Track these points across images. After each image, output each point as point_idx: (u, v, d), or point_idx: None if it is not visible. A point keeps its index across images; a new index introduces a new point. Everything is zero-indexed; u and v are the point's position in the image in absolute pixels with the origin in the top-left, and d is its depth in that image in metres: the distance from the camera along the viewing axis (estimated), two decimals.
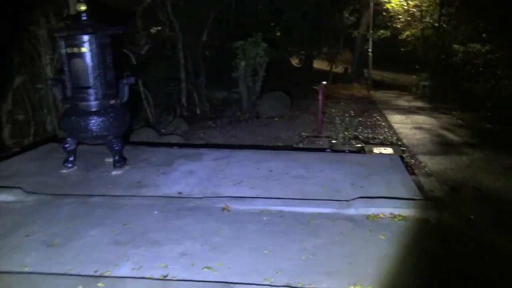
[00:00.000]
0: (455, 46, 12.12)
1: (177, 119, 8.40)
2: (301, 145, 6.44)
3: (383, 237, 3.20)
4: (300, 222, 3.42)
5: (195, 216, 3.49)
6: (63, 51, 4.40)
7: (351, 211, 3.61)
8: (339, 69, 18.93)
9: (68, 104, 4.62)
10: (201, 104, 10.50)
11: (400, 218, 3.55)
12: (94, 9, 4.51)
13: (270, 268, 2.72)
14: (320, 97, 7.14)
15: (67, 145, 4.63)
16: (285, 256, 2.88)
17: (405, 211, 3.61)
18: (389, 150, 6.33)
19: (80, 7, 4.36)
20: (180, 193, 4.04)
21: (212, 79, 11.39)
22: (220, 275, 2.64)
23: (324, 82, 8.01)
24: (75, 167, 4.73)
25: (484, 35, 11.13)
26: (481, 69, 11.12)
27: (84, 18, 4.39)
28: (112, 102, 4.52)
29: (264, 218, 3.48)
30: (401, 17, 15.11)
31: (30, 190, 4.00)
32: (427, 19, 14.07)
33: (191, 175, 4.50)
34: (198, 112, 10.34)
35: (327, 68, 17.98)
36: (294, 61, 19.99)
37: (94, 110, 4.48)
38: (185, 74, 10.23)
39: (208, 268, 2.72)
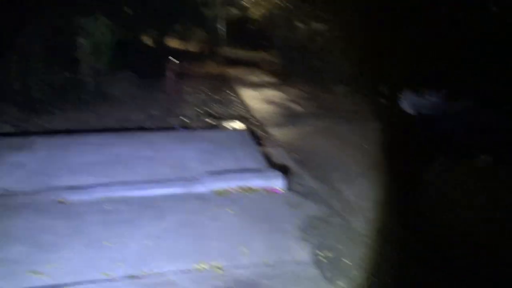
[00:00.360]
0: (299, 24, 12.88)
1: (6, 105, 7.32)
2: (151, 126, 6.16)
3: (232, 211, 3.21)
4: (147, 206, 3.24)
5: (22, 215, 3.04)
6: None
7: (200, 189, 3.56)
8: (195, 48, 18.76)
9: None
10: (38, 87, 9.35)
11: (249, 190, 3.61)
12: None
13: (109, 260, 2.50)
14: (169, 74, 6.90)
15: None
16: (128, 245, 2.68)
17: (252, 183, 3.68)
18: (240, 125, 6.45)
19: None
20: (7, 189, 3.49)
21: (54, 60, 10.23)
22: (49, 279, 2.33)
23: (174, 60, 7.77)
24: None
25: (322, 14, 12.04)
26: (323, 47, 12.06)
27: None
28: None
29: (107, 207, 3.21)
30: None
31: None
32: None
33: (21, 168, 3.93)
34: (37, 96, 9.21)
35: (187, 47, 17.66)
36: (148, 40, 19.16)
37: None
38: (16, 56, 8.97)
39: (34, 272, 2.38)
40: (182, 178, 3.70)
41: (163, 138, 4.84)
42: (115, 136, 4.90)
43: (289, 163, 4.75)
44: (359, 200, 3.71)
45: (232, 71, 14.57)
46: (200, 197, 3.44)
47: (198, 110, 7.36)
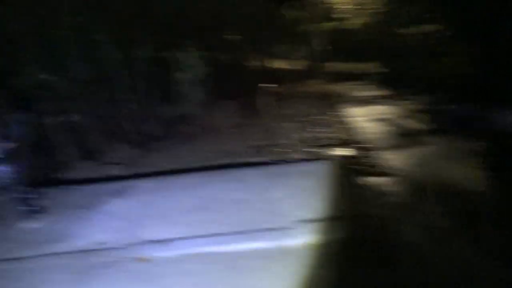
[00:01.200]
0: (404, 29, 11.87)
1: (120, 145, 7.74)
2: (248, 158, 5.90)
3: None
4: (233, 264, 2.88)
5: (105, 277, 2.89)
6: None
7: (293, 241, 3.10)
8: (296, 66, 18.57)
9: None
10: (149, 123, 9.86)
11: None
12: None
13: None
14: (268, 100, 6.63)
15: None
16: None
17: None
18: (346, 151, 5.87)
19: None
20: (98, 243, 3.43)
21: (160, 94, 10.77)
22: None
23: (272, 83, 7.53)
24: None
25: (430, 14, 10.89)
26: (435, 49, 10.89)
27: None
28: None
29: (191, 266, 2.92)
30: (345, 6, 14.88)
31: None
32: (372, 6, 13.84)
33: (114, 217, 3.89)
34: (146, 132, 9.70)
35: (288, 66, 17.61)
36: (252, 63, 19.48)
37: None
38: (126, 94, 9.58)
39: None
40: (272, 228, 3.29)
41: (258, 175, 4.51)
42: (209, 175, 4.70)
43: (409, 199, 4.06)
44: None
45: (336, 88, 13.96)
46: (292, 252, 2.98)
47: (299, 137, 6.95)
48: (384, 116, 8.39)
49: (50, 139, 7.61)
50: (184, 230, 3.44)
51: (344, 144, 6.45)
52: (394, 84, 12.35)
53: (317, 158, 5.65)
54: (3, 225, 3.97)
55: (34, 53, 7.90)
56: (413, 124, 7.58)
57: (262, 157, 6.00)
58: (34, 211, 4.01)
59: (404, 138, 6.60)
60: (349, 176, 4.51)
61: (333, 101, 10.90)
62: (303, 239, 3.08)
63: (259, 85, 6.84)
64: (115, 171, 6.27)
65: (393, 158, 5.50)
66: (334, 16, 15.88)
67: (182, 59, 8.67)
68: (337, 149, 6.11)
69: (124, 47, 9.75)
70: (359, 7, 14.47)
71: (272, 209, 3.65)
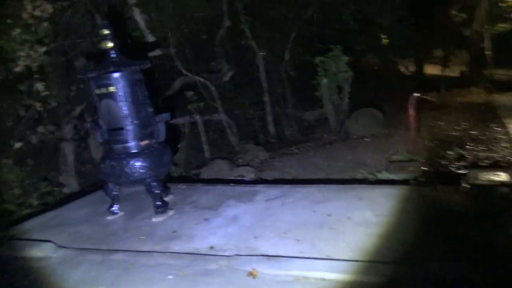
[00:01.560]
0: None
1: (256, 147, 7.84)
2: (384, 175, 5.33)
3: None
4: None
5: (209, 286, 2.80)
6: (94, 92, 4.13)
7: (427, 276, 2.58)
8: (454, 72, 16.70)
9: (104, 148, 4.34)
10: (289, 127, 9.85)
11: None
12: (126, 44, 4.20)
13: None
14: (411, 112, 5.96)
15: (108, 191, 4.33)
16: None
17: None
18: (503, 176, 4.88)
19: (106, 44, 4.06)
20: (212, 247, 3.39)
21: (302, 99, 10.70)
22: None
23: (427, 93, 6.75)
24: (121, 213, 4.39)
25: None
26: None
27: (113, 55, 4.08)
28: (142, 143, 4.11)
29: None
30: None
31: (61, 244, 3.73)
32: None
33: (234, 223, 3.82)
34: (286, 136, 9.71)
35: (445, 73, 15.99)
36: (403, 68, 18.20)
37: (128, 152, 4.11)
38: (269, 97, 9.71)
39: None
40: (400, 260, 2.80)
41: (388, 196, 3.98)
42: (335, 190, 4.33)
43: None
44: None
45: (503, 98, 12.05)
46: None
47: (450, 152, 6.09)
48: None
49: (190, 137, 8.13)
50: (298, 248, 3.18)
51: (504, 166, 5.41)
52: None
53: (467, 181, 4.81)
54: (131, 217, 4.24)
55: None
56: None
57: (403, 173, 5.38)
58: (162, 206, 4.17)
59: None
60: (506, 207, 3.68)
61: (496, 113, 9.39)
62: (437, 275, 2.54)
63: (412, 93, 6.17)
64: (246, 173, 6.32)
65: None
66: (501, 18, 13.79)
67: (328, 63, 8.39)
68: (494, 171, 5.13)
69: (271, 51, 9.95)
70: None
71: (404, 238, 3.15)
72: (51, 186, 6.84)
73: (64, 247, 3.67)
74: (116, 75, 3.97)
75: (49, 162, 7.52)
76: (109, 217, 4.32)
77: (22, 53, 6.32)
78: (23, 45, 6.32)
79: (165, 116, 4.25)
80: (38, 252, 3.55)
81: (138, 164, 4.08)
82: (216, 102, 8.70)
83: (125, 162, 4.06)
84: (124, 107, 4.03)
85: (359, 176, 5.61)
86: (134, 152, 4.11)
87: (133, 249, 3.50)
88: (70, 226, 4.20)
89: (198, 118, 8.13)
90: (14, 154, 6.94)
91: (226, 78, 9.67)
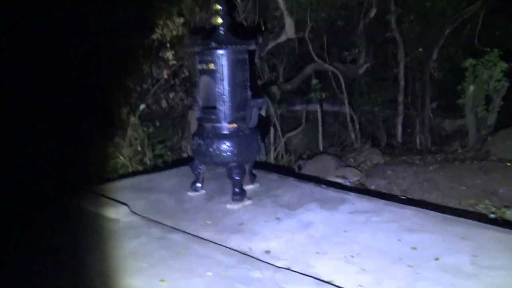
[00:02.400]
0: None
1: (372, 149, 7.16)
2: (510, 213, 4.30)
3: None
4: None
5: None
6: (196, 66, 4.09)
7: None
8: None
9: (198, 124, 4.31)
10: (421, 134, 8.81)
11: None
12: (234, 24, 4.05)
13: None
14: None
15: (194, 167, 4.32)
16: None
17: None
18: None
19: (216, 19, 3.95)
20: (267, 252, 3.11)
21: (445, 106, 9.47)
22: None
23: None
24: (203, 191, 4.37)
25: None
26: None
27: (220, 32, 3.96)
28: (230, 126, 3.94)
29: None
30: None
31: (136, 210, 3.84)
32: None
33: (304, 230, 3.46)
34: (415, 143, 8.74)
35: None
36: None
37: (216, 132, 4.01)
38: (405, 97, 8.80)
39: None
40: None
41: (504, 244, 3.15)
42: (434, 219, 3.60)
43: None
44: None
45: None
46: None
47: None
48: None
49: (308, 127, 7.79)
50: (359, 279, 2.70)
51: None
52: None
53: None
54: (210, 198, 4.16)
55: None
56: None
57: None
58: (239, 194, 4.01)
59: None
60: None
61: None
62: None
63: None
64: (350, 175, 5.81)
65: None
66: None
67: (480, 69, 7.18)
68: None
69: (417, 47, 8.95)
70: None
71: None
72: (166, 149, 7.23)
73: (137, 214, 3.76)
74: (217, 52, 3.86)
75: (175, 127, 8.00)
76: (190, 193, 4.32)
77: (161, 22, 6.71)
78: (163, 15, 6.71)
79: (261, 101, 4.03)
80: (112, 213, 3.70)
81: (223, 146, 3.96)
82: (343, 94, 8.19)
83: (211, 142, 3.98)
84: (220, 86, 3.91)
85: (479, 207, 4.67)
86: (221, 134, 4.00)
87: (194, 233, 3.41)
88: (154, 193, 4.32)
89: (317, 107, 7.76)
90: (140, 114, 7.53)
91: (361, 70, 9.04)
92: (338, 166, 6.28)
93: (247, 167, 4.29)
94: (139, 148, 7.01)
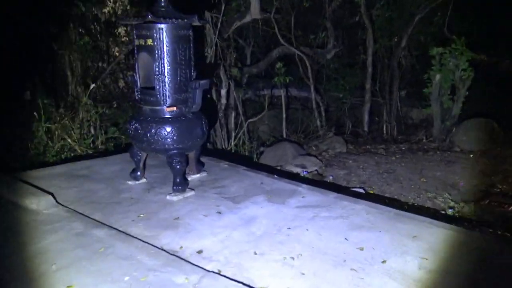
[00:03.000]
0: None
1: (336, 138, 6.90)
2: (467, 207, 4.11)
3: None
4: None
5: None
6: (134, 42, 3.67)
7: None
8: None
9: (136, 106, 3.90)
10: (387, 122, 8.62)
11: None
12: None
13: None
14: None
15: (133, 154, 3.93)
16: None
17: None
18: None
19: None
20: (200, 252, 2.78)
21: (413, 94, 9.30)
22: None
23: None
24: (143, 180, 4.00)
25: None
26: None
27: (161, 4, 3.55)
28: (169, 109, 3.56)
29: None
30: None
31: (62, 200, 3.44)
32: None
33: (245, 226, 3.15)
34: (381, 132, 8.55)
35: None
36: None
37: (155, 116, 3.62)
38: (373, 85, 8.56)
39: None
40: None
41: (457, 244, 2.92)
42: (385, 216, 3.34)
43: None
44: None
45: None
46: None
47: None
48: None
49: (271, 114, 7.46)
50: (296, 285, 2.40)
51: None
52: None
53: None
54: (150, 188, 3.81)
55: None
56: None
57: (495, 215, 4.13)
58: (180, 185, 3.65)
59: None
60: None
61: None
62: None
63: None
64: (309, 164, 5.54)
65: None
66: None
67: (446, 57, 6.96)
68: None
69: (387, 34, 8.69)
70: None
71: None
72: (119, 133, 6.77)
73: (62, 205, 3.37)
74: (155, 26, 3.45)
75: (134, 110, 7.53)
76: (130, 182, 3.95)
77: None
78: None
79: (204, 83, 3.64)
80: (33, 203, 3.28)
81: (162, 132, 3.58)
82: (310, 80, 7.87)
83: (149, 126, 3.59)
84: (159, 65, 3.51)
85: (438, 201, 4.47)
86: (161, 118, 3.61)
87: (122, 229, 3.04)
88: (89, 182, 3.93)
89: (281, 92, 7.42)
90: (96, 94, 7.05)
91: (329, 55, 8.73)
92: (298, 154, 5.99)
93: (192, 154, 3.93)
94: (92, 131, 6.57)
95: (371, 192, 4.87)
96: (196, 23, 3.60)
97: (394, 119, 8.65)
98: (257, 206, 3.47)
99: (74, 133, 6.21)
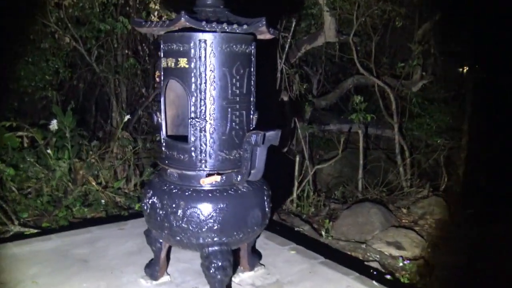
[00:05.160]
0: None
1: (435, 199, 5.11)
2: None
3: None
4: None
5: None
6: (161, 63, 2.25)
7: None
8: None
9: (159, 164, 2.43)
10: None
11: None
12: None
13: None
14: None
15: (150, 240, 2.46)
16: None
17: None
18: None
19: None
20: None
21: None
22: None
23: None
24: (164, 278, 2.51)
25: None
26: None
27: (208, 1, 2.12)
28: (209, 179, 2.07)
29: None
30: None
31: None
32: None
33: None
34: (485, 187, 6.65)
35: None
36: None
37: (185, 187, 2.14)
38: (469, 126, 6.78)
39: None
40: None
41: None
42: None
43: None
44: None
45: None
46: None
47: None
48: None
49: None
50: None
51: None
52: None
53: None
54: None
55: None
56: None
57: None
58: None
59: None
60: None
61: None
62: None
63: None
64: (399, 241, 3.86)
65: None
66: None
67: None
68: None
69: None
70: None
71: None
72: None
73: None
74: (193, 36, 2.02)
75: None
76: (143, 281, 2.48)
77: None
78: None
79: (272, 136, 2.10)
80: None
81: (195, 215, 2.08)
82: (393, 117, 6.28)
83: (174, 204, 2.11)
84: (196, 102, 2.06)
85: None
86: (195, 190, 2.13)
87: None
88: (81, 273, 2.53)
89: (359, 132, 5.81)
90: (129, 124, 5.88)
91: (416, 88, 7.06)
92: (387, 223, 4.31)
93: (243, 249, 2.42)
94: (124, 172, 5.33)
95: None
96: (265, 33, 2.12)
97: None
98: None
99: (102, 174, 4.98)
